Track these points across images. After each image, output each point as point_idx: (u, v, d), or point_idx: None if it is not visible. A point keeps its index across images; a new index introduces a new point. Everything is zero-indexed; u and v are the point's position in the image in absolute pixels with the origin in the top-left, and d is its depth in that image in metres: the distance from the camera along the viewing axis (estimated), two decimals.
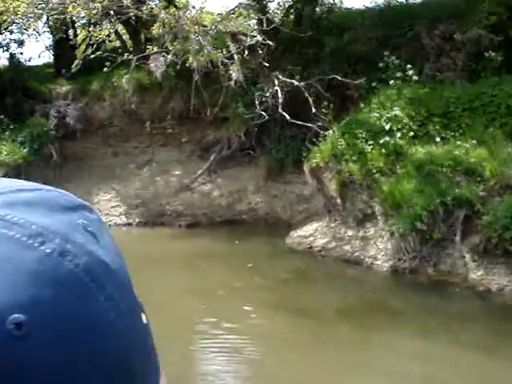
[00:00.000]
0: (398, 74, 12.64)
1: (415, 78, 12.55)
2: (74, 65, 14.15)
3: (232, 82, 13.34)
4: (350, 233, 11.56)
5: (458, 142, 10.98)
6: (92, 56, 14.02)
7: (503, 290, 9.23)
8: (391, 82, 12.65)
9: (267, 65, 13.68)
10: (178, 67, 13.80)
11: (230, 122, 15.66)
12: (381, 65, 13.46)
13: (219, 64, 12.94)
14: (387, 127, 11.63)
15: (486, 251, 9.75)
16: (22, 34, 18.98)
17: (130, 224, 15.43)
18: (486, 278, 9.51)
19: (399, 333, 7.98)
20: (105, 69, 14.29)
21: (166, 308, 9.13)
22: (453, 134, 11.33)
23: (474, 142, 10.88)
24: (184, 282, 10.51)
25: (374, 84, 13.20)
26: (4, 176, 16.12)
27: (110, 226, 15.37)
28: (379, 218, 11.04)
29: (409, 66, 12.73)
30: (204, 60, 11.94)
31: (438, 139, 11.23)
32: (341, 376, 6.73)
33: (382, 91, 12.67)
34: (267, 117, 13.73)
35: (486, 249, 9.75)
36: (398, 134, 11.51)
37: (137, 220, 15.50)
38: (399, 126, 11.62)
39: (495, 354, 7.23)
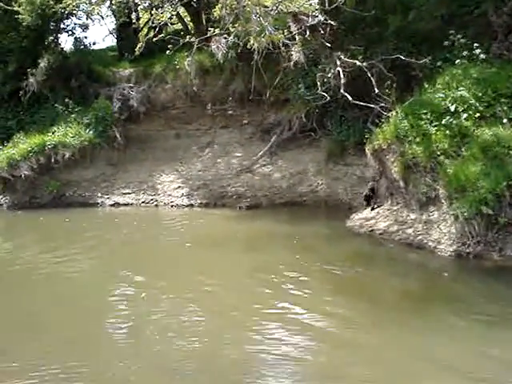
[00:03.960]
0: (464, 53, 12.27)
1: (482, 56, 12.15)
2: (136, 48, 14.31)
3: (293, 63, 13.23)
4: (412, 216, 11.37)
5: None
6: (154, 39, 14.17)
7: None
8: (457, 61, 12.28)
9: (329, 45, 13.49)
10: (240, 49, 13.78)
11: (290, 103, 15.60)
12: (446, 43, 13.10)
13: (280, 45, 12.85)
14: (452, 108, 11.32)
15: None
16: (87, 18, 19.31)
17: (191, 205, 15.64)
18: None
19: (462, 319, 7.80)
20: (167, 51, 14.40)
21: (228, 288, 9.25)
22: None
23: None
24: (244, 263, 10.57)
25: (438, 64, 12.86)
26: (70, 158, 16.56)
27: (172, 206, 15.62)
28: (443, 201, 10.79)
29: (476, 44, 12.33)
30: (265, 41, 11.86)
31: (505, 120, 10.86)
32: (402, 361, 6.66)
33: (447, 71, 12.31)
34: (329, 98, 13.59)
35: None
36: (464, 115, 11.18)
37: (198, 201, 15.68)
38: (465, 107, 11.28)
39: None
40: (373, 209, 12.39)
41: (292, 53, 13.15)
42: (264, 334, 7.54)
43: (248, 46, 12.53)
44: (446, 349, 6.96)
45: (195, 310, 8.38)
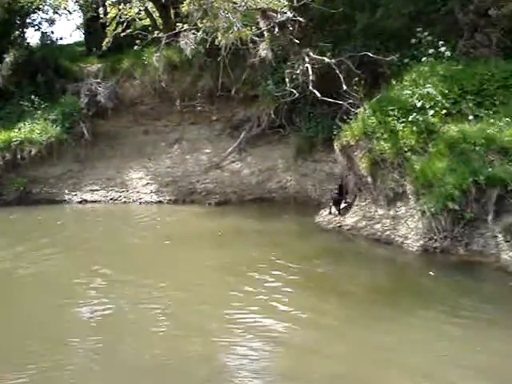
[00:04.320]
0: (431, 51, 12.40)
1: (448, 54, 12.31)
2: (104, 43, 14.19)
3: (260, 60, 13.22)
4: (380, 212, 11.47)
5: (492, 121, 10.75)
6: (122, 34, 14.07)
7: None
8: (424, 58, 12.42)
9: (297, 42, 13.53)
10: (208, 45, 13.75)
11: (259, 99, 15.61)
12: (413, 41, 13.24)
13: (248, 41, 12.84)
14: (419, 105, 11.44)
15: None
16: (54, 12, 19.06)
17: (160, 202, 15.57)
18: None
19: (429, 312, 7.92)
20: (135, 47, 14.31)
21: (196, 284, 9.22)
22: (486, 111, 11.10)
23: (508, 119, 10.65)
24: (212, 258, 10.56)
25: (406, 61, 13.00)
26: (37, 154, 16.33)
27: (140, 203, 15.52)
28: (410, 197, 10.92)
29: (441, 42, 12.47)
30: (233, 37, 11.85)
31: (471, 117, 11.02)
32: (371, 355, 6.72)
33: (414, 68, 12.45)
34: (297, 94, 13.62)
35: None
36: (431, 112, 11.31)
37: (167, 198, 15.61)
38: (431, 104, 11.42)
39: None
40: (339, 212, 12.38)
41: (260, 49, 13.14)
42: (233, 330, 7.53)
43: (216, 42, 12.51)
44: (415, 340, 7.04)
45: (162, 307, 8.33)
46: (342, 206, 12.45)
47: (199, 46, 14.68)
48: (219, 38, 12.16)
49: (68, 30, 49.14)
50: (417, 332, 7.32)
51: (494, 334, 7.21)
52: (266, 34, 13.24)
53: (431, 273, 9.33)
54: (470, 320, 7.59)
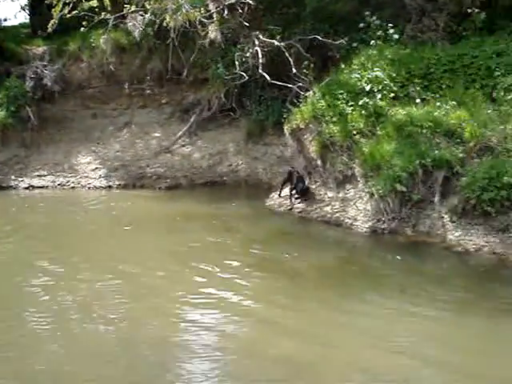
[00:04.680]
0: (379, 34, 12.53)
1: (396, 37, 12.46)
2: (50, 25, 13.82)
3: (209, 42, 13.12)
4: (330, 194, 11.59)
5: (438, 104, 10.97)
6: (68, 15, 13.70)
7: (480, 250, 9.33)
8: (372, 42, 12.54)
9: (247, 24, 13.48)
10: (157, 27, 13.56)
11: (210, 83, 15.51)
12: (362, 25, 13.35)
13: (197, 24, 12.72)
14: (368, 88, 11.58)
15: (464, 212, 9.84)
16: None
17: (110, 187, 15.34)
18: (464, 238, 9.61)
19: (378, 292, 8.06)
20: (82, 29, 13.99)
21: (148, 270, 9.14)
22: (433, 95, 11.31)
23: (454, 103, 10.88)
24: (163, 243, 10.50)
25: (354, 44, 13.12)
26: None
27: (89, 188, 15.28)
28: (359, 179, 11.07)
29: (390, 26, 12.61)
30: (182, 19, 11.71)
31: (418, 100, 11.21)
32: (320, 335, 6.80)
33: (362, 52, 12.57)
34: (247, 78, 13.60)
35: (464, 210, 9.83)
36: (379, 95, 11.47)
37: (117, 183, 15.39)
38: (380, 87, 11.57)
39: (470, 312, 7.34)
40: (291, 196, 12.23)
41: (209, 31, 13.02)
42: (186, 316, 7.54)
43: (165, 24, 12.34)
44: (363, 321, 7.16)
45: (116, 294, 8.24)
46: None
47: (148, 28, 14.47)
48: (167, 20, 11.99)
49: (12, 11, 47.66)
50: (365, 311, 7.44)
51: (438, 311, 7.37)
52: (215, 16, 13.12)
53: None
54: (417, 298, 7.75)
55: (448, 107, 10.82)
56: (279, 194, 12.59)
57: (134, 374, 6.13)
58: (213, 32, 12.69)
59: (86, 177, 15.73)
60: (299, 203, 11.98)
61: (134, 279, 8.76)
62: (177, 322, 7.39)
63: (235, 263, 9.31)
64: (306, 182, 12.11)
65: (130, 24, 13.54)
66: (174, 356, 6.62)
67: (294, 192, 12.12)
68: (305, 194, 11.97)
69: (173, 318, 7.46)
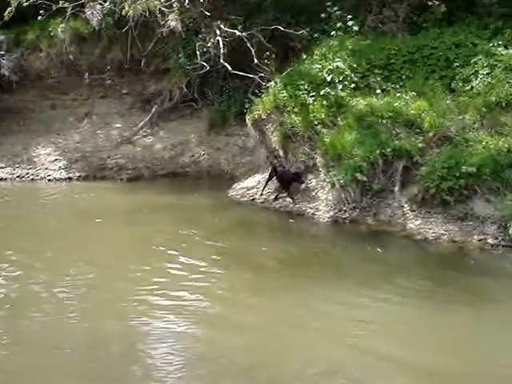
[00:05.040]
0: (339, 25, 12.57)
1: (356, 28, 12.53)
2: (6, 13, 13.53)
3: (170, 32, 12.99)
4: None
5: (398, 94, 11.10)
6: (26, 4, 13.44)
7: (440, 238, 9.50)
8: (333, 33, 12.58)
9: (208, 14, 13.39)
10: (117, 16, 13.37)
11: (171, 73, 15.37)
12: (323, 16, 13.37)
13: (157, 13, 12.57)
14: (329, 79, 11.62)
15: (423, 201, 10.00)
16: None
17: (70, 178, 15.10)
18: (424, 227, 9.76)
19: (341, 281, 8.12)
20: (39, 17, 13.73)
21: (108, 262, 9.06)
22: (393, 85, 11.42)
23: (414, 93, 11.01)
24: (125, 236, 10.41)
25: (316, 35, 13.14)
26: None
27: (49, 180, 15.05)
28: (321, 169, 11.14)
29: (349, 16, 12.67)
30: (141, 8, 11.56)
31: (378, 91, 11.31)
32: (281, 327, 6.82)
33: (324, 42, 12.62)
34: (209, 68, 13.52)
35: (423, 199, 10.00)
36: (340, 86, 11.53)
37: (77, 174, 15.16)
38: (341, 78, 11.62)
39: (430, 299, 7.46)
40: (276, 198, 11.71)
41: (169, 21, 12.89)
42: (146, 308, 7.45)
43: (123, 13, 12.18)
44: (324, 312, 7.20)
45: (75, 286, 8.16)
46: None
47: (108, 17, 14.26)
48: (126, 9, 11.83)
49: None
50: (327, 302, 7.46)
51: (397, 297, 7.48)
52: (175, 5, 12.98)
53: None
54: (378, 287, 7.84)
55: (408, 98, 10.95)
56: (261, 193, 11.99)
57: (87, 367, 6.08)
58: (173, 21, 12.57)
59: (46, 168, 15.47)
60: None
61: (94, 271, 8.67)
62: (136, 314, 7.31)
63: (198, 255, 9.27)
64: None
65: (89, 13, 13.32)
66: (136, 345, 6.58)
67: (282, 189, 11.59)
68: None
69: (131, 309, 7.39)
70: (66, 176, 15.17)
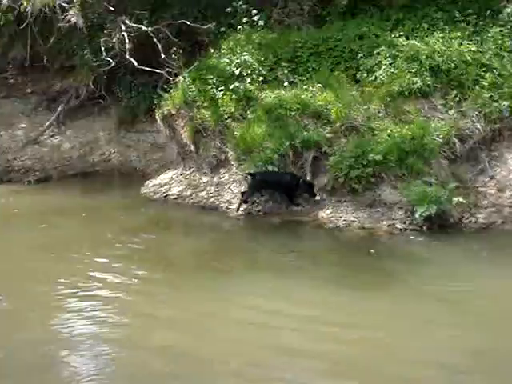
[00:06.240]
0: (245, 20, 12.64)
1: (261, 23, 12.64)
2: None
3: (71, 27, 12.64)
4: (204, 179, 11.60)
5: (305, 86, 11.28)
6: None
7: (350, 225, 9.74)
8: (239, 27, 12.63)
9: (113, 9, 13.13)
10: (18, 12, 12.90)
11: (77, 70, 14.99)
12: (229, 10, 13.40)
13: (57, 8, 12.19)
14: (237, 72, 11.68)
15: (333, 190, 10.23)
16: None
17: None
18: (335, 215, 9.98)
19: (256, 274, 8.17)
20: None
21: (19, 267, 8.71)
22: (300, 78, 11.61)
23: (321, 85, 11.21)
24: (34, 238, 10.04)
25: (223, 29, 13.14)
26: None
27: None
28: (232, 163, 11.17)
29: (254, 11, 12.76)
30: (40, 3, 11.20)
31: (286, 83, 11.46)
32: (199, 322, 6.79)
33: (231, 36, 12.65)
34: (115, 64, 13.27)
35: (333, 188, 10.22)
36: (248, 80, 11.61)
37: None
38: (249, 71, 11.71)
39: (344, 285, 7.59)
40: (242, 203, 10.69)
41: (70, 17, 12.55)
42: (65, 311, 7.23)
43: (21, 9, 11.77)
44: (240, 304, 7.21)
45: None
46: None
47: (8, 13, 13.75)
48: (24, 4, 11.42)
49: None
50: (242, 296, 7.47)
51: (312, 285, 7.58)
52: (75, 0, 12.64)
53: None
54: (294, 277, 7.93)
55: (315, 89, 11.15)
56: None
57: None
58: (73, 17, 12.23)
59: None
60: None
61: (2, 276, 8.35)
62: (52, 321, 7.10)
63: (110, 255, 9.08)
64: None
65: None
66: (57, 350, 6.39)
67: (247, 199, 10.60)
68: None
69: (48, 316, 7.18)
70: None
